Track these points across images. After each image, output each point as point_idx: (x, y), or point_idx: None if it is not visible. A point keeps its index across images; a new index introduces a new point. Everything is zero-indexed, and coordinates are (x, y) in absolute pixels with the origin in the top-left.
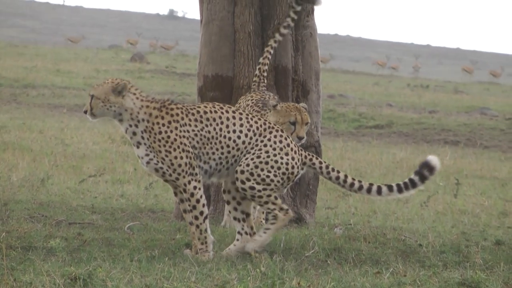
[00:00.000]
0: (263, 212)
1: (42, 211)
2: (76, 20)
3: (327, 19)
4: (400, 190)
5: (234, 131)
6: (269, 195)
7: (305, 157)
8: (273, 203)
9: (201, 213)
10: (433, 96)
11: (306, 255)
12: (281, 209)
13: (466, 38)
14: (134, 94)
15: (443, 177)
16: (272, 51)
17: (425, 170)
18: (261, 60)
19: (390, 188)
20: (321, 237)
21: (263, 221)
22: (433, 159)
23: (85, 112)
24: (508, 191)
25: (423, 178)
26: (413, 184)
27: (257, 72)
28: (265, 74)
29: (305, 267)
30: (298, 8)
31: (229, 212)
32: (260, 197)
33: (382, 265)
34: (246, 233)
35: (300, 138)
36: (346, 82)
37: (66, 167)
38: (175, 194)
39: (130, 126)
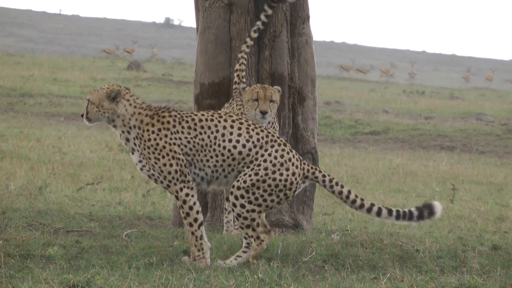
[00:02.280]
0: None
1: (40, 219)
2: (72, 29)
3: (322, 26)
4: (398, 217)
5: (230, 140)
6: (253, 219)
7: (308, 170)
8: (253, 230)
9: (195, 220)
10: (429, 102)
11: (304, 261)
12: (257, 238)
13: (461, 45)
14: (128, 100)
15: (439, 183)
16: (246, 57)
17: (425, 211)
18: (237, 67)
19: (390, 212)
20: (318, 243)
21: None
22: (437, 206)
23: (82, 115)
24: (504, 196)
25: (420, 217)
26: (410, 216)
27: (236, 79)
28: (244, 80)
29: (303, 273)
30: (270, 12)
31: (232, 220)
32: (245, 218)
33: (379, 271)
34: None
35: (262, 113)
36: (342, 88)
37: (63, 175)
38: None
39: (123, 132)
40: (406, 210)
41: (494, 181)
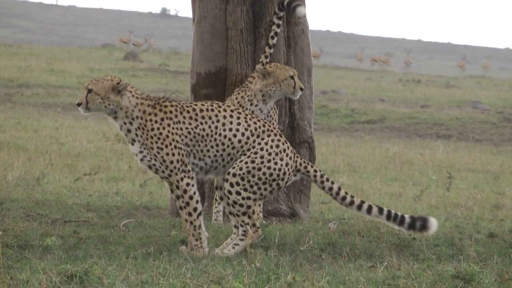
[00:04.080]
0: (259, 205)
1: (38, 209)
2: (69, 19)
3: (318, 16)
4: (388, 217)
5: (230, 129)
6: (249, 206)
7: (300, 164)
8: (249, 217)
9: (195, 209)
10: (425, 91)
11: (301, 250)
12: (253, 225)
13: (457, 33)
14: (130, 92)
15: (435, 171)
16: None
17: (418, 222)
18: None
19: (380, 210)
20: (316, 232)
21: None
22: (432, 223)
23: (79, 104)
24: (500, 184)
25: (411, 226)
26: (401, 221)
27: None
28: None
29: (300, 262)
30: (281, 14)
31: (224, 207)
32: (241, 205)
33: (377, 259)
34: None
35: (301, 89)
36: (338, 78)
37: (61, 165)
38: (172, 191)
39: (125, 123)
40: (399, 214)
41: (490, 169)
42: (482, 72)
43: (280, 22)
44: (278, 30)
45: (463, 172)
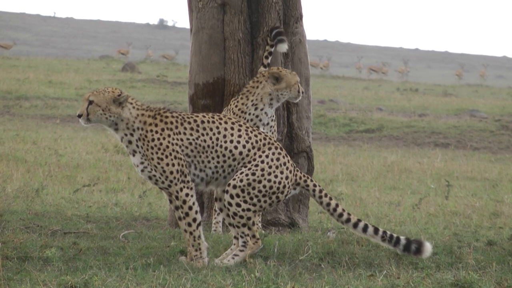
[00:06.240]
0: (258, 215)
1: (37, 221)
2: (67, 31)
3: (316, 25)
4: (383, 238)
5: (232, 141)
6: (249, 218)
7: (300, 178)
8: (249, 228)
9: (194, 220)
10: (422, 100)
11: (300, 259)
12: (253, 236)
13: (454, 42)
14: (131, 103)
15: (434, 179)
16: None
17: (414, 245)
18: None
19: (376, 231)
20: (315, 241)
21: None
22: (427, 247)
23: (79, 116)
24: (498, 192)
25: (406, 248)
26: (396, 243)
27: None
28: None
29: (299, 271)
30: (271, 43)
31: (223, 219)
32: (241, 217)
33: (376, 268)
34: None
35: (302, 93)
36: (336, 87)
37: (60, 177)
38: (170, 201)
39: (126, 135)
40: (394, 235)
41: (488, 177)
42: (480, 80)
43: (274, 43)
44: (272, 50)
45: (461, 180)
